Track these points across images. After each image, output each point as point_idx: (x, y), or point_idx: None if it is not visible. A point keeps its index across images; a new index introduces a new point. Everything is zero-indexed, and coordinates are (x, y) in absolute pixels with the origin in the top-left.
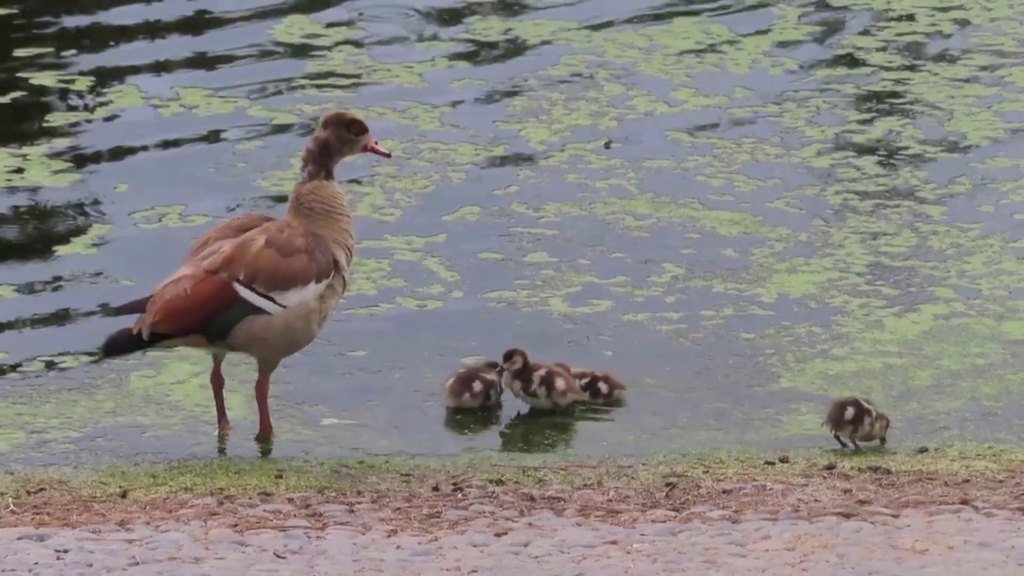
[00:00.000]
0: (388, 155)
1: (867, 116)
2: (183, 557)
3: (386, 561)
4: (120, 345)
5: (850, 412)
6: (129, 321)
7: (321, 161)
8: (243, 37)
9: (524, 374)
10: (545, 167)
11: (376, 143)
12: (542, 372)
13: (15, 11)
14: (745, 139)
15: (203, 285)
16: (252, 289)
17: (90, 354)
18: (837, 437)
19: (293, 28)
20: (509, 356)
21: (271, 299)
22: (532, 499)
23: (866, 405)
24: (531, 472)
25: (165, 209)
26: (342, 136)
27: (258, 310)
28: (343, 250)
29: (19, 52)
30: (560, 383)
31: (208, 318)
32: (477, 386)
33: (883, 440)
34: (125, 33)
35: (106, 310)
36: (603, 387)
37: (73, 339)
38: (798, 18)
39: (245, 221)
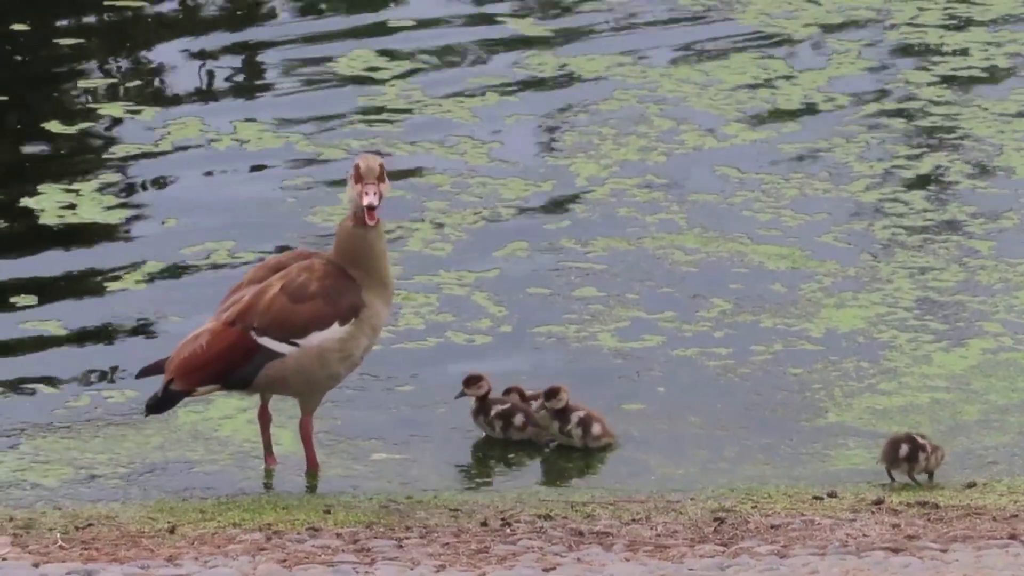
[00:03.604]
0: (371, 208)
1: (916, 151)
2: None
3: None
4: (156, 405)
5: (904, 450)
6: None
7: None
8: (304, 68)
9: (562, 414)
10: (594, 202)
11: (367, 193)
12: (581, 414)
13: (83, 41)
14: (793, 174)
15: (220, 338)
16: (268, 336)
17: (138, 388)
18: (889, 473)
19: (356, 61)
20: (554, 394)
21: (293, 344)
22: (580, 534)
23: (921, 441)
24: (579, 507)
25: (215, 245)
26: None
27: (279, 355)
28: (376, 295)
29: (84, 83)
30: (596, 428)
31: (227, 370)
32: (519, 419)
33: (931, 475)
34: (194, 63)
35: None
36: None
37: (122, 375)
38: (858, 53)
39: (284, 260)
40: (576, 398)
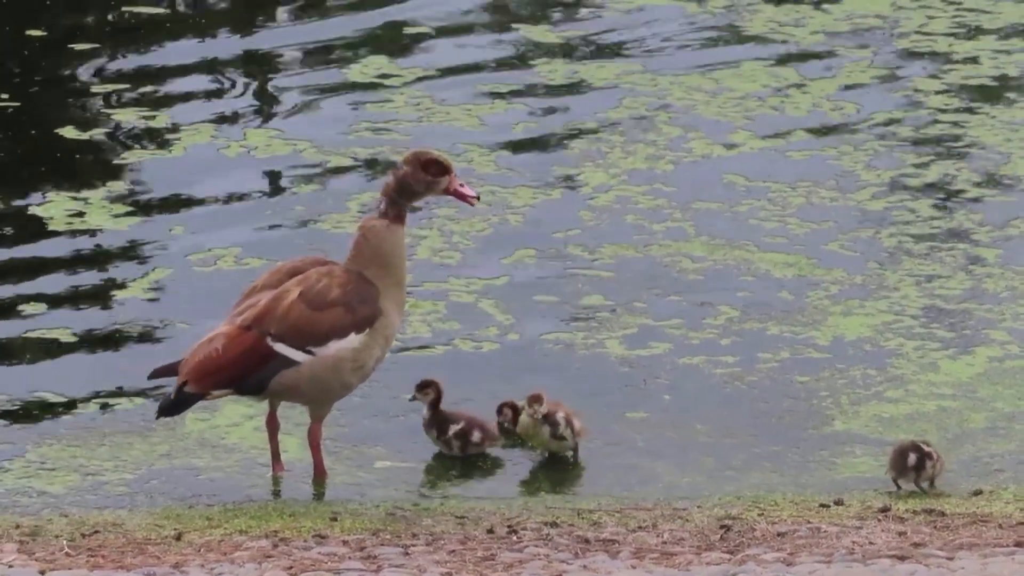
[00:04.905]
0: (476, 198)
1: (923, 159)
2: None
3: None
4: (169, 407)
5: (912, 459)
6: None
7: (396, 199)
8: (315, 75)
9: (549, 418)
10: (601, 209)
11: (461, 185)
12: (562, 414)
13: (96, 46)
14: (801, 182)
15: (236, 342)
16: (285, 343)
17: (145, 395)
18: (896, 482)
19: (368, 68)
20: (538, 400)
21: (309, 352)
22: (587, 541)
23: (927, 449)
24: (586, 514)
25: (222, 252)
26: (418, 176)
27: (295, 363)
28: (393, 302)
29: (95, 89)
30: (577, 423)
31: (241, 375)
32: (477, 436)
33: (932, 482)
34: (205, 69)
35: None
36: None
37: (128, 382)
38: (867, 62)
39: (299, 265)
40: (583, 406)
